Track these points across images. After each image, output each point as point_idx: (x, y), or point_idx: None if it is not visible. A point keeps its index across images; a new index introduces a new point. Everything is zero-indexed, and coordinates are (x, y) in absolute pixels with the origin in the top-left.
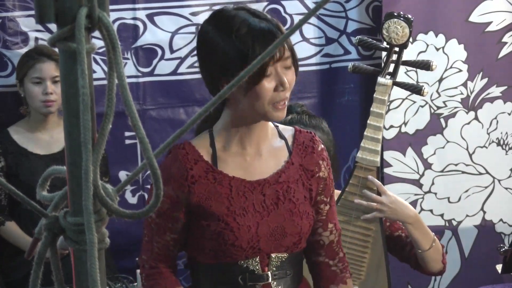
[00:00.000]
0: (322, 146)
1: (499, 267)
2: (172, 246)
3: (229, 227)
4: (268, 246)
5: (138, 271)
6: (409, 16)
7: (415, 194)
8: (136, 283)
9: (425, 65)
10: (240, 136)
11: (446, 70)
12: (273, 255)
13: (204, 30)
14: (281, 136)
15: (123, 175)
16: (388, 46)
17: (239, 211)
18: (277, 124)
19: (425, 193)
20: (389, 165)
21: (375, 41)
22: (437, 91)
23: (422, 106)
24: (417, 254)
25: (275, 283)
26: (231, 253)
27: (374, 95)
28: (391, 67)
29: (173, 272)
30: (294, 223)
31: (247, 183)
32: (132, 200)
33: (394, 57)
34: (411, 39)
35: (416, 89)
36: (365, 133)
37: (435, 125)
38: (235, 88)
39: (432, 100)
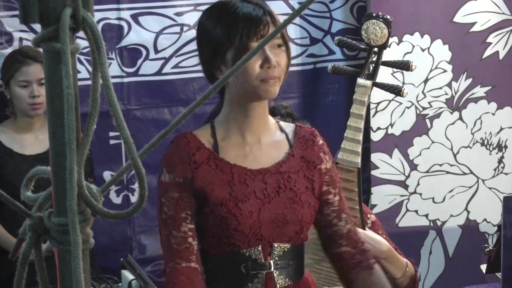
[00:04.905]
0: (322, 141)
1: (483, 267)
2: (191, 237)
3: (231, 213)
4: (270, 233)
5: (122, 271)
6: (388, 17)
7: (401, 195)
8: (120, 284)
9: (405, 66)
10: (239, 126)
11: (431, 70)
12: (275, 245)
13: (200, 20)
14: (282, 130)
15: (107, 175)
16: (367, 47)
17: (241, 197)
18: (278, 120)
19: (411, 194)
20: (376, 167)
21: (354, 42)
22: (422, 92)
23: (408, 108)
24: (390, 280)
25: (277, 272)
26: (234, 239)
27: (354, 96)
28: (372, 68)
29: (197, 269)
30: (295, 211)
31: (248, 171)
32: (117, 200)
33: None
34: (397, 40)
35: (396, 90)
36: (345, 134)
37: (421, 126)
38: (227, 74)
39: (418, 101)
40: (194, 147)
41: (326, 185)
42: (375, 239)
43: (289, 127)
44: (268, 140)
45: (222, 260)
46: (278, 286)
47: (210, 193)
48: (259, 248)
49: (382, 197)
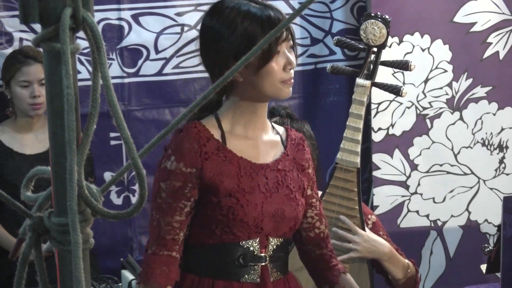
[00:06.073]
0: (308, 148)
1: (483, 267)
2: (179, 229)
3: (240, 203)
4: (269, 227)
5: (122, 271)
6: (387, 16)
7: (402, 196)
8: (120, 284)
9: (404, 65)
10: (245, 122)
11: (431, 70)
12: (271, 238)
13: (208, 23)
14: (276, 131)
15: (108, 175)
16: (366, 47)
17: (248, 189)
18: (271, 121)
19: (412, 194)
20: (378, 168)
21: (353, 42)
22: (423, 92)
23: (408, 108)
24: (392, 281)
25: (271, 265)
26: (237, 230)
27: (353, 96)
28: (371, 68)
29: (176, 259)
30: (292, 207)
31: (253, 165)
32: (117, 201)
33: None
34: (397, 40)
35: (394, 90)
36: (344, 134)
37: (421, 126)
38: (243, 69)
39: (418, 101)
40: (204, 137)
41: (310, 189)
42: (376, 240)
43: (280, 129)
44: (267, 138)
45: (220, 251)
46: (272, 279)
47: (220, 184)
48: (257, 241)
49: (383, 198)
